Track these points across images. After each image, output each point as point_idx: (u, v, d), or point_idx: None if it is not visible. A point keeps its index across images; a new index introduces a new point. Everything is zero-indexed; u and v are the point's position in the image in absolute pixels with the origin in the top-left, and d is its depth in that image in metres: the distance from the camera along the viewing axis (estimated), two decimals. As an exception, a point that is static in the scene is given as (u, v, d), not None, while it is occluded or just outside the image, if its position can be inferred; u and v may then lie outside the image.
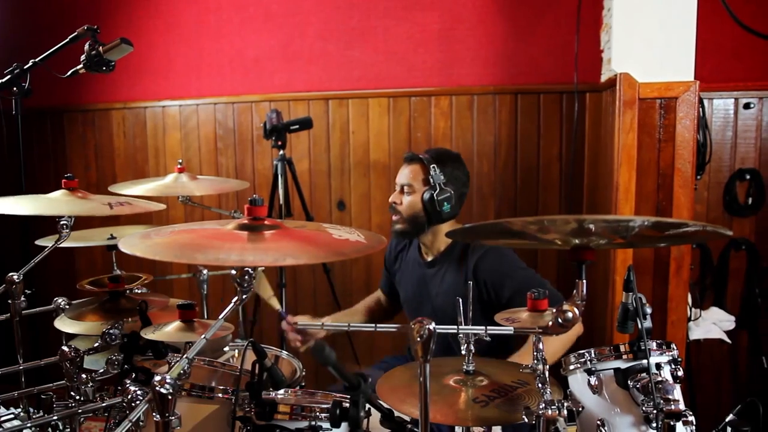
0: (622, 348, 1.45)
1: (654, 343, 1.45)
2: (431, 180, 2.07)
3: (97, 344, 1.69)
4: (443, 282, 2.15)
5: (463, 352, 1.52)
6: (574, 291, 1.18)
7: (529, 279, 2.03)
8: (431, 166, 2.08)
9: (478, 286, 2.05)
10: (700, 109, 2.45)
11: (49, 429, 1.65)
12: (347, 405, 1.19)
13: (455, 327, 1.28)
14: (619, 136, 2.28)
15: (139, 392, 1.29)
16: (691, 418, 1.29)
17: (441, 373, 1.54)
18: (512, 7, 3.00)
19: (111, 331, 1.68)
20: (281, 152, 2.82)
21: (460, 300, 1.51)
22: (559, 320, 1.17)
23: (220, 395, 1.44)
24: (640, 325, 1.39)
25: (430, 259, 2.21)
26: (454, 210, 2.10)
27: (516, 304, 1.94)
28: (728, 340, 2.75)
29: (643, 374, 1.39)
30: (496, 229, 1.32)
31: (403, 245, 2.37)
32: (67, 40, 1.85)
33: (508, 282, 2.02)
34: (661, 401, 1.30)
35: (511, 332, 1.27)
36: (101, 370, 1.65)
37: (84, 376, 1.61)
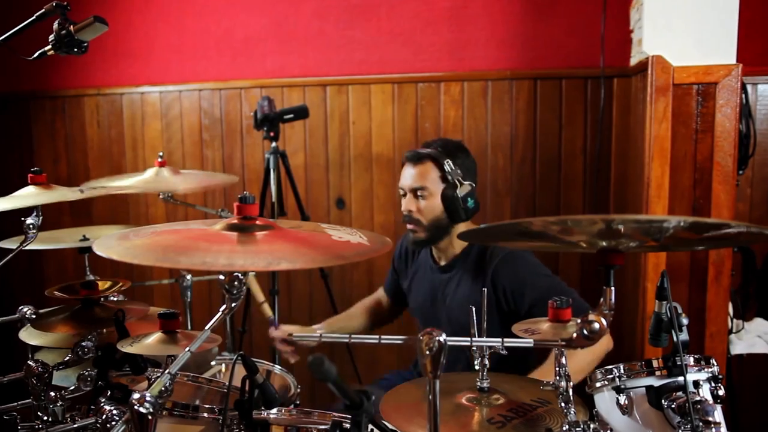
0: (655, 363, 1.44)
1: (691, 358, 1.45)
2: (449, 176, 2.06)
3: (67, 358, 1.69)
4: (458, 289, 2.15)
5: (477, 367, 1.51)
6: (601, 299, 1.18)
7: (553, 287, 2.02)
8: (445, 161, 2.07)
9: (496, 294, 2.05)
10: (743, 96, 2.45)
11: (14, 453, 1.65)
12: (348, 426, 1.19)
13: (468, 339, 1.27)
14: (651, 127, 2.27)
15: (114, 412, 1.29)
16: (733, 443, 1.29)
17: (452, 390, 1.54)
18: (531, -18, 3.01)
19: (83, 344, 1.68)
20: (274, 144, 2.82)
21: (473, 309, 1.51)
22: (585, 332, 1.17)
23: (205, 415, 1.44)
24: (675, 338, 1.38)
25: (444, 263, 2.21)
26: (477, 205, 2.11)
27: (537, 314, 1.93)
28: (774, 355, 2.75)
29: (679, 393, 1.38)
30: (514, 230, 1.32)
31: (406, 252, 2.38)
32: (34, 17, 1.85)
33: (529, 290, 2.01)
34: (700, 424, 1.30)
35: (531, 345, 1.26)
36: (72, 388, 1.65)
37: (53, 394, 1.61)
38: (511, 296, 2.04)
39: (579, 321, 1.18)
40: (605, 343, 1.96)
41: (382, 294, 2.53)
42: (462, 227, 2.13)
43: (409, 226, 2.15)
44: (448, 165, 2.07)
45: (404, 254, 2.39)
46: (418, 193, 2.11)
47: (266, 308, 2.34)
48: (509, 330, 1.93)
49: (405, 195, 2.15)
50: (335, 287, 3.14)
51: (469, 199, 2.07)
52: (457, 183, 2.05)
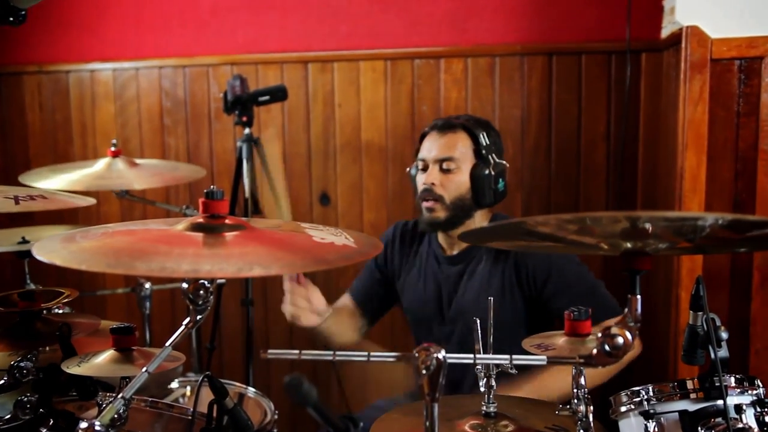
0: (689, 384, 1.45)
1: (732, 379, 1.45)
2: (482, 150, 2.09)
3: (2, 381, 1.68)
4: (471, 282, 2.15)
5: (483, 389, 1.51)
6: (626, 309, 1.18)
7: (581, 277, 2.07)
8: (481, 133, 2.09)
9: (519, 278, 2.09)
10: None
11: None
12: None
13: (471, 356, 1.27)
14: (685, 109, 2.28)
15: (59, 443, 1.29)
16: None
17: (454, 415, 1.54)
18: (546, -58, 3.01)
19: (22, 364, 1.67)
20: (247, 131, 2.81)
21: (491, 300, 1.50)
22: (606, 347, 1.17)
23: (166, 447, 1.44)
24: (713, 355, 1.39)
25: (455, 252, 2.22)
26: (506, 189, 2.12)
27: (559, 304, 1.95)
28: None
29: (719, 419, 1.39)
30: (522, 229, 1.31)
31: (408, 237, 2.36)
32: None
33: (555, 274, 2.05)
34: (742, 454, 1.30)
35: (544, 363, 1.26)
36: (8, 416, 1.64)
37: (-14, 423, 1.60)
38: (532, 279, 2.07)
39: (600, 335, 1.18)
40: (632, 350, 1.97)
41: (348, 300, 2.42)
42: (480, 215, 2.14)
43: (425, 204, 2.14)
44: (483, 137, 2.08)
45: (398, 245, 2.37)
46: (444, 165, 2.12)
47: (281, 204, 2.31)
48: (540, 321, 1.93)
49: (425, 169, 2.16)
50: (319, 297, 3.13)
51: (500, 180, 2.10)
52: (491, 160, 2.07)
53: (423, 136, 2.20)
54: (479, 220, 2.18)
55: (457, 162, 2.11)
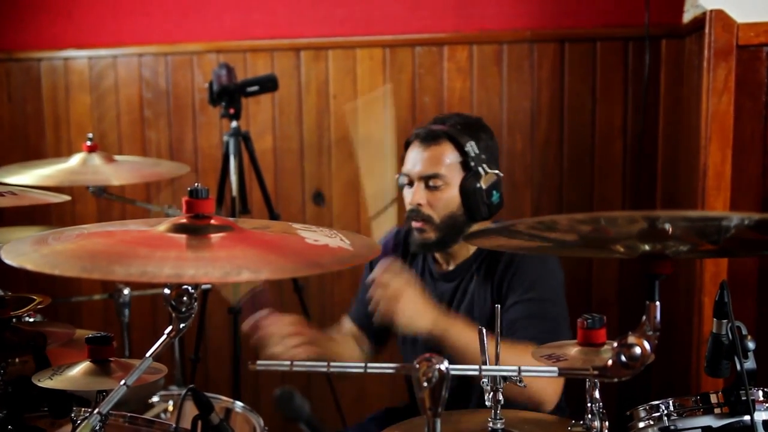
0: (713, 398, 1.45)
1: (760, 392, 1.45)
2: (471, 162, 2.04)
3: (-30, 395, 1.68)
4: (464, 299, 2.15)
5: (489, 403, 1.51)
6: (644, 317, 1.17)
7: (543, 311, 2.01)
8: (467, 142, 2.05)
9: (500, 288, 2.07)
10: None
11: None
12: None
13: (476, 367, 1.27)
14: (709, 100, 2.28)
15: (31, 463, 1.29)
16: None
17: (458, 431, 1.54)
18: None
19: (-9, 377, 1.67)
20: (234, 124, 2.82)
21: (487, 317, 1.51)
22: (623, 358, 1.16)
23: (146, 466, 1.44)
24: (738, 367, 1.39)
25: (450, 268, 2.21)
26: (502, 200, 2.10)
27: (511, 323, 1.95)
28: None
29: (745, 436, 1.39)
30: (532, 230, 1.32)
31: (401, 248, 2.34)
32: None
33: (520, 290, 2.02)
34: (771, 474, 1.31)
35: (555, 375, 1.26)
36: (-23, 433, 1.64)
37: (-49, 441, 1.60)
38: (502, 288, 2.05)
39: (616, 345, 1.18)
40: None
41: (349, 324, 2.35)
42: (479, 226, 2.12)
43: (415, 224, 2.09)
44: (471, 147, 2.05)
45: (394, 255, 2.35)
46: (431, 183, 2.06)
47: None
48: None
49: (411, 184, 2.12)
50: (312, 304, 3.14)
51: (494, 192, 2.05)
52: (483, 171, 2.04)
53: (407, 145, 2.15)
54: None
55: (444, 178, 2.05)
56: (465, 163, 2.05)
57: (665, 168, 2.94)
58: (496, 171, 2.06)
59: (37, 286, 2.62)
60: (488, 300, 2.09)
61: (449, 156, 2.06)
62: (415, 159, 2.09)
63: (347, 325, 2.34)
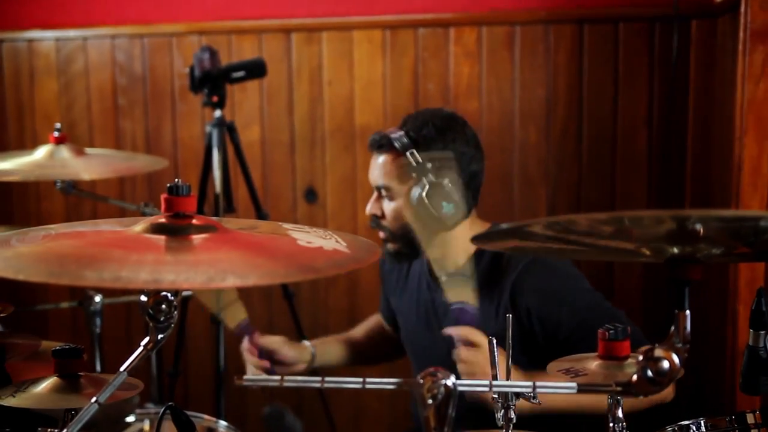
0: (750, 418, 1.46)
1: (801, 411, 1.45)
2: (413, 173, 2.08)
3: (-74, 413, 1.67)
4: None
5: (500, 422, 1.51)
6: (672, 328, 1.17)
7: (596, 305, 2.05)
8: (407, 151, 2.07)
9: (518, 317, 2.06)
10: None
11: None
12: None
13: (486, 382, 1.26)
14: (744, 87, 2.28)
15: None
16: None
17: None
18: None
19: (-51, 393, 1.66)
20: (218, 113, 2.81)
21: (494, 340, 1.50)
22: (649, 373, 1.15)
23: (121, 492, 1.43)
24: (778, 382, 1.38)
25: (444, 278, 2.22)
26: (462, 206, 2.10)
27: (578, 342, 1.94)
28: None
29: (784, 459, 1.38)
30: (547, 231, 1.31)
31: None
32: None
33: (566, 311, 2.04)
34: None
35: (575, 392, 1.25)
36: (-68, 456, 1.63)
37: None
38: (538, 319, 2.05)
39: (641, 359, 1.17)
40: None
41: (382, 320, 2.54)
42: (465, 229, 2.14)
43: (380, 234, 2.21)
44: (413, 156, 2.07)
45: (390, 265, 2.41)
46: (383, 193, 2.16)
47: (235, 310, 2.29)
48: (536, 362, 1.93)
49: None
50: (304, 312, 3.14)
51: (443, 203, 2.06)
52: (426, 181, 2.05)
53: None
54: (461, 236, 2.16)
55: (392, 191, 2.13)
56: (409, 173, 2.10)
57: (695, 162, 2.94)
58: (447, 178, 2.07)
59: None
60: (490, 306, 2.11)
61: (394, 165, 2.13)
62: (371, 167, 2.19)
63: (377, 319, 2.54)
